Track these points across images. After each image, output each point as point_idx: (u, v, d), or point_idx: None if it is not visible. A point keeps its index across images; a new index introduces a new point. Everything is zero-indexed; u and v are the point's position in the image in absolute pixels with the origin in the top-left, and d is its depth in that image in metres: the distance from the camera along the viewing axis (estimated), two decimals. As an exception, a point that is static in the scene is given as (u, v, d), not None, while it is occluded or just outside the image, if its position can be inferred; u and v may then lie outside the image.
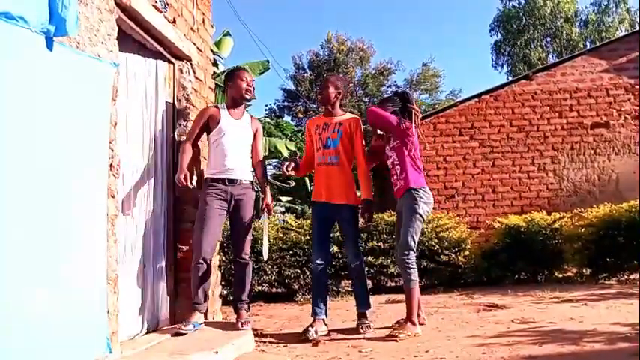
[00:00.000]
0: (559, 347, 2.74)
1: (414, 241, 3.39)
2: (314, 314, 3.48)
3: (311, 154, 3.69)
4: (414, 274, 3.35)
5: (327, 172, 3.52)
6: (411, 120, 3.50)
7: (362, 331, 3.42)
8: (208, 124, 3.37)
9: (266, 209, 3.51)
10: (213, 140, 3.36)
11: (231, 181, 3.31)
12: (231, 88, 3.45)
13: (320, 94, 3.70)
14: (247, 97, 3.48)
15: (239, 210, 3.35)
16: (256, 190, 3.59)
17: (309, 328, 3.34)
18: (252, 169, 3.53)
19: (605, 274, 5.64)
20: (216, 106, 3.46)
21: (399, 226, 3.68)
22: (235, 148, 3.35)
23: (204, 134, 3.42)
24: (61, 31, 2.00)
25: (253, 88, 3.50)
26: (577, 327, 3.22)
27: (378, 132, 3.73)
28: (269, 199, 3.50)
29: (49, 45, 2.00)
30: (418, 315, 3.46)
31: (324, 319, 3.49)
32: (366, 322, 3.48)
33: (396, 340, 3.12)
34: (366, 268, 3.69)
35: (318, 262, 3.52)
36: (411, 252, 3.37)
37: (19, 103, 1.86)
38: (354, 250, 3.59)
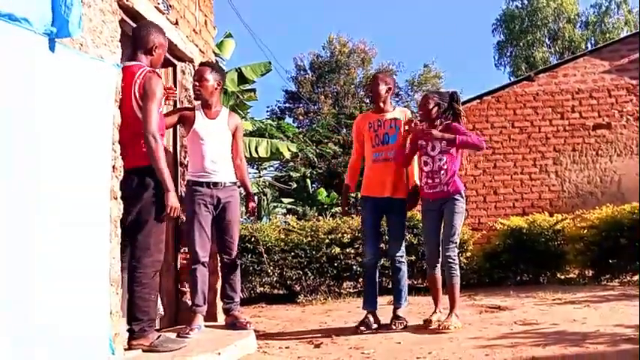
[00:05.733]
0: (562, 349, 2.74)
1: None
2: (366, 307, 3.57)
3: (362, 152, 3.73)
4: (458, 271, 3.58)
5: (386, 167, 3.58)
6: (455, 121, 3.63)
7: (394, 327, 3.49)
8: (183, 124, 3.32)
9: (251, 212, 3.58)
10: (189, 143, 3.30)
11: (215, 184, 3.25)
12: (202, 88, 3.23)
13: (371, 91, 3.76)
14: (208, 98, 3.26)
15: (227, 213, 3.31)
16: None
17: (365, 321, 3.47)
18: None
19: (607, 276, 5.62)
20: (192, 109, 3.33)
21: (431, 227, 3.68)
22: (213, 150, 3.25)
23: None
24: (63, 33, 2.00)
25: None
26: (580, 329, 3.21)
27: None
28: (254, 201, 3.57)
29: (52, 46, 1.99)
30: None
31: (375, 312, 3.57)
32: (401, 318, 3.55)
33: (447, 332, 3.28)
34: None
35: (370, 255, 3.62)
36: (457, 250, 3.62)
37: (21, 104, 1.86)
38: (401, 246, 3.66)
